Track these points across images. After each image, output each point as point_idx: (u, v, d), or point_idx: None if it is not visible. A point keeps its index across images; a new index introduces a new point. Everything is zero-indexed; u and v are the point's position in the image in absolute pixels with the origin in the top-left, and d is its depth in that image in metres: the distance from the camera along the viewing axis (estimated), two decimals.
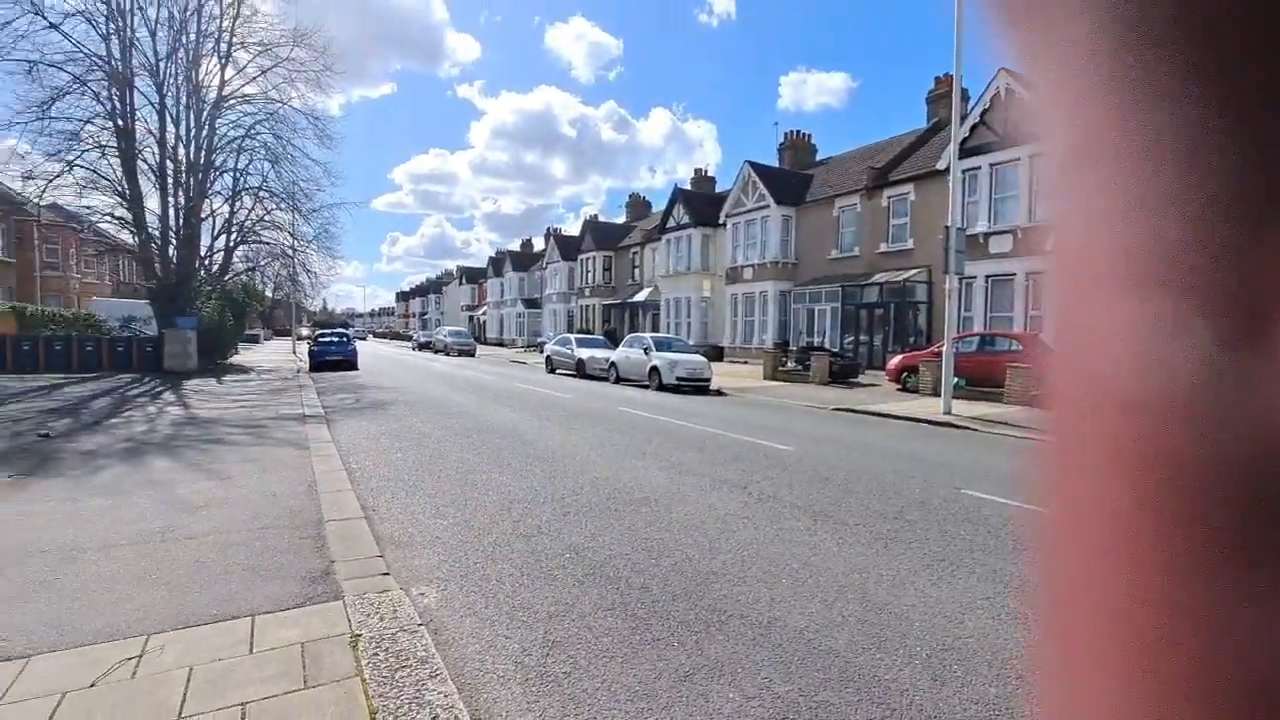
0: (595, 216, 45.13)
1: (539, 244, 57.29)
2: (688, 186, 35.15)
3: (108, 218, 21.09)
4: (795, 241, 26.52)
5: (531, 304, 50.76)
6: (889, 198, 22.74)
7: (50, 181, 18.84)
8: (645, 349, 16.90)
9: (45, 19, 18.58)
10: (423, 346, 43.61)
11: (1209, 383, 0.22)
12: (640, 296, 34.62)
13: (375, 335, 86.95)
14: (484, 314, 61.83)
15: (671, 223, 32.00)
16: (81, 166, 19.42)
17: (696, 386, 16.00)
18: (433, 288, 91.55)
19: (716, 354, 27.52)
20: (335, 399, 13.75)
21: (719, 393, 16.34)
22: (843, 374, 18.46)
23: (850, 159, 27.80)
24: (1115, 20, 0.24)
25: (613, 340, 23.97)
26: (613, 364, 18.23)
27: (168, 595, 3.49)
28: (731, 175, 44.13)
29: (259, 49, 22.32)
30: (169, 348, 19.44)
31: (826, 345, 22.39)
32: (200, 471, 6.52)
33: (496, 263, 59.16)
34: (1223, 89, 0.22)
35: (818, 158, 31.23)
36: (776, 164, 30.32)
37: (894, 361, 17.13)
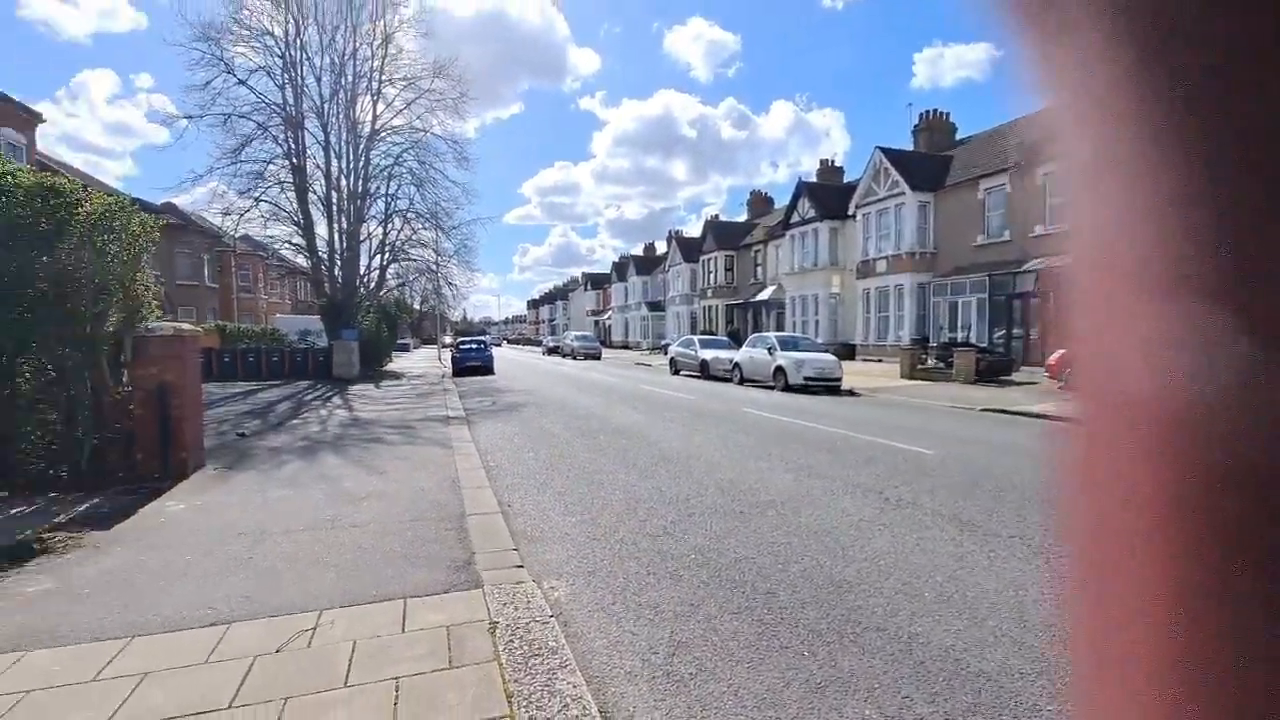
0: (716, 216, 44.98)
1: (661, 247, 58.03)
2: (813, 179, 33.93)
3: (287, 244, 24.20)
4: (934, 229, 24.72)
5: (655, 307, 51.50)
6: (1045, 175, 20.54)
7: (242, 216, 21.95)
8: (770, 349, 16.52)
9: (235, 76, 21.71)
10: (551, 351, 45.70)
11: (1244, 386, 0.22)
12: (764, 295, 33.95)
13: (509, 341, 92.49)
14: (609, 318, 63.63)
15: (796, 218, 31.07)
16: (266, 201, 22.45)
17: (826, 386, 15.38)
18: (560, 295, 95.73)
19: (848, 352, 26.31)
20: (475, 402, 14.75)
21: (850, 393, 15.61)
22: (991, 371, 16.93)
23: (996, 136, 25.44)
24: (1135, 21, 0.23)
25: (736, 341, 23.70)
26: (736, 365, 18.01)
27: (336, 577, 3.90)
28: (860, 164, 42.02)
29: (404, 83, 24.59)
30: (336, 357, 21.87)
31: (972, 340, 20.63)
32: (362, 468, 7.25)
33: (620, 267, 60.67)
34: (1247, 90, 0.21)
35: (957, 138, 28.92)
36: (911, 148, 28.46)
37: (1056, 356, 15.40)
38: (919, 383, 17.68)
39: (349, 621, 3.20)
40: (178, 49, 30.30)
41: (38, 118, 18.54)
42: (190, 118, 21.16)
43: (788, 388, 15.58)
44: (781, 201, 40.25)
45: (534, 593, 3.54)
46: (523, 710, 2.41)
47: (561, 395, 15.76)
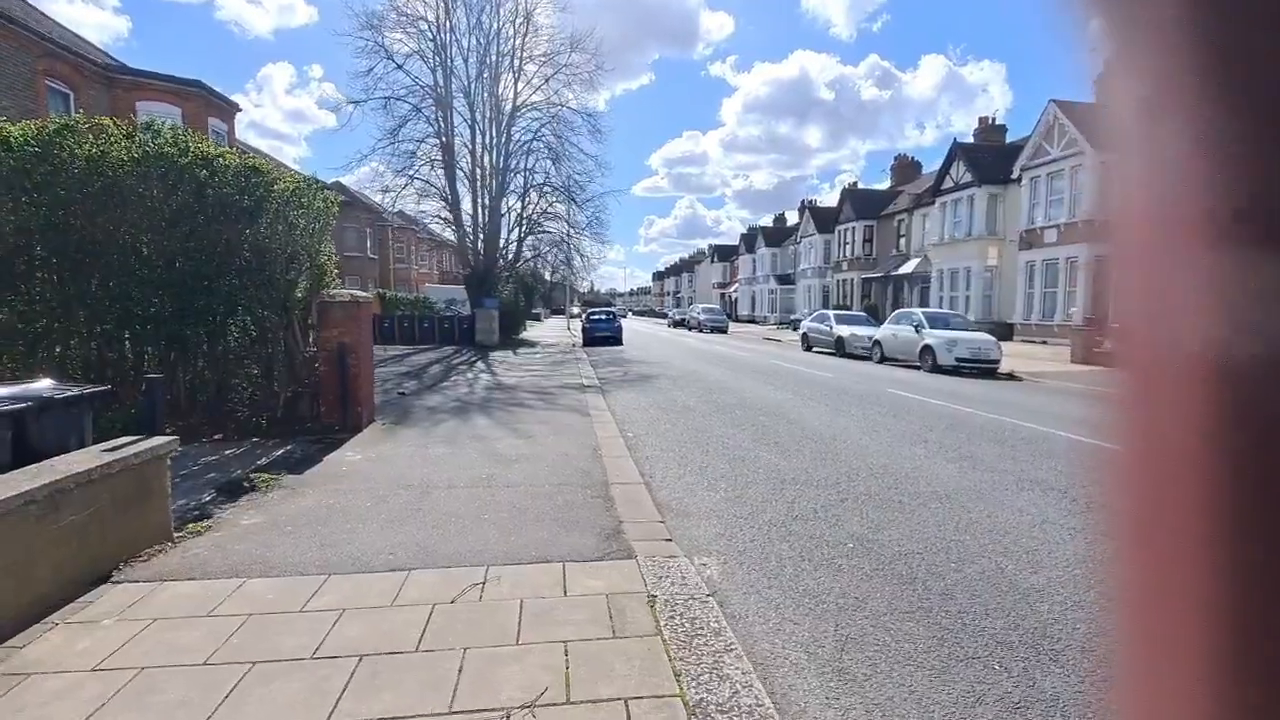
0: (854, 184, 42.33)
1: (792, 217, 55.89)
2: (969, 140, 30.82)
3: (436, 219, 25.97)
4: None
5: (784, 280, 49.88)
6: None
7: (399, 193, 23.79)
8: (916, 326, 15.32)
9: (394, 61, 23.39)
10: (677, 324, 45.82)
11: None
12: (907, 268, 31.68)
13: (634, 313, 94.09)
14: (735, 291, 62.67)
15: (948, 183, 28.50)
16: (419, 179, 24.16)
17: (981, 369, 14.05)
18: (686, 267, 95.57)
19: (1004, 332, 23.92)
20: (606, 371, 15.08)
21: (1011, 376, 14.17)
22: None
23: None
24: None
25: (874, 317, 22.33)
26: (877, 342, 16.94)
27: (497, 534, 4.08)
28: (1025, 123, 37.65)
29: (543, 59, 25.23)
30: (479, 325, 23.29)
31: None
32: (509, 430, 7.61)
33: (748, 239, 59.29)
34: None
35: None
36: (1093, 100, 24.93)
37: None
38: (1095, 367, 15.68)
39: (514, 579, 3.30)
40: (345, 38, 33.53)
41: (235, 107, 21.07)
42: (355, 103, 23.16)
43: (936, 368, 14.41)
44: (930, 167, 37.10)
45: (687, 568, 3.47)
46: (692, 690, 2.34)
47: (692, 368, 15.70)
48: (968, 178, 27.25)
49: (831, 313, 20.94)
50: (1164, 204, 0.25)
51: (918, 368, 15.09)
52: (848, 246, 38.19)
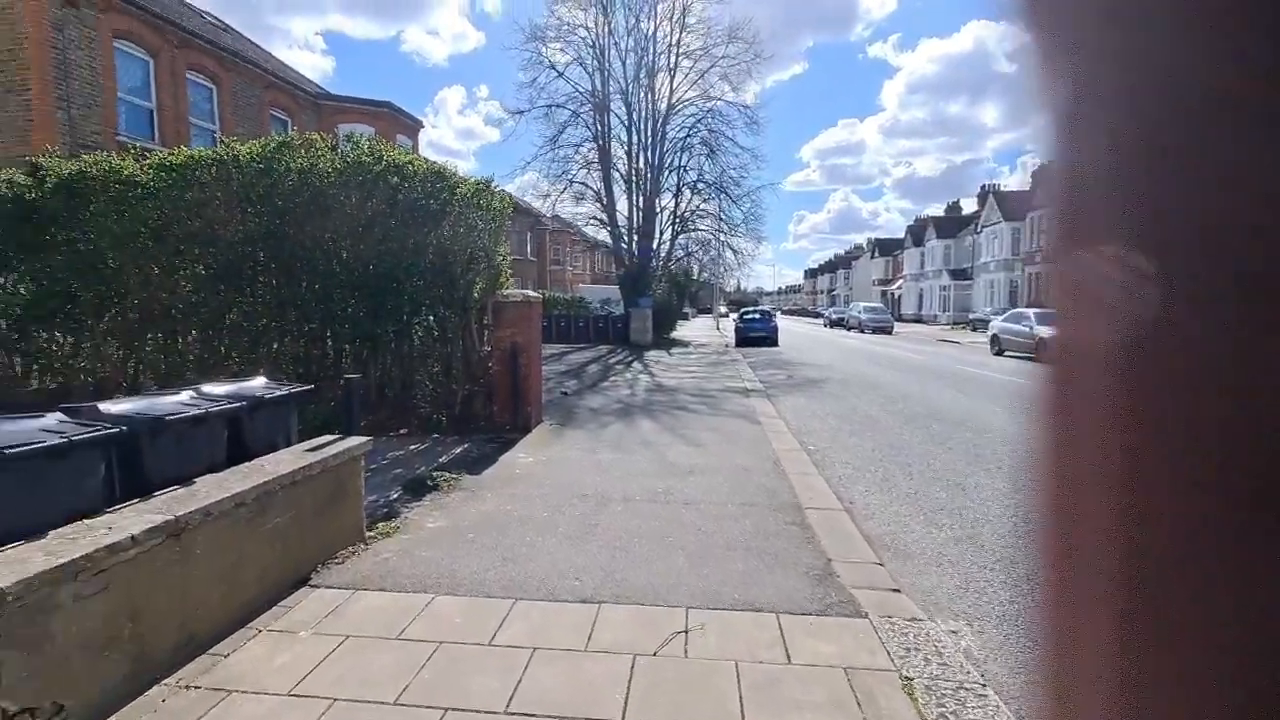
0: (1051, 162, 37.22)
1: (969, 206, 50.71)
2: None
3: (591, 221, 26.57)
4: None
5: (959, 275, 45.27)
6: None
7: (557, 198, 24.60)
8: None
9: (555, 70, 24.22)
10: (835, 324, 43.35)
11: (1158, 332, 0.24)
12: None
13: (784, 313, 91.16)
14: (899, 288, 58.24)
15: None
16: (577, 182, 24.84)
17: None
18: (841, 263, 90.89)
19: None
20: (767, 374, 14.27)
21: None
22: None
23: None
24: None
25: None
26: None
27: (687, 563, 3.59)
28: None
29: (700, 53, 24.81)
30: (633, 324, 23.42)
31: None
32: (676, 436, 7.17)
33: (915, 231, 54.73)
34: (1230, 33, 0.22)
35: None
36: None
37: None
38: None
39: (720, 630, 2.77)
40: (511, 51, 35.57)
41: (419, 124, 22.99)
42: (520, 112, 24.26)
43: None
44: None
45: (941, 640, 2.72)
46: None
47: (863, 371, 14.40)
48: None
49: (1031, 312, 18.22)
50: (1077, 205, 0.27)
51: None
52: (1044, 235, 33.56)
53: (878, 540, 4.12)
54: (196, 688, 2.37)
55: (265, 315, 7.29)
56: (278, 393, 3.53)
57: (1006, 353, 18.06)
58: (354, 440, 3.66)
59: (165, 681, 2.40)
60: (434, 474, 5.45)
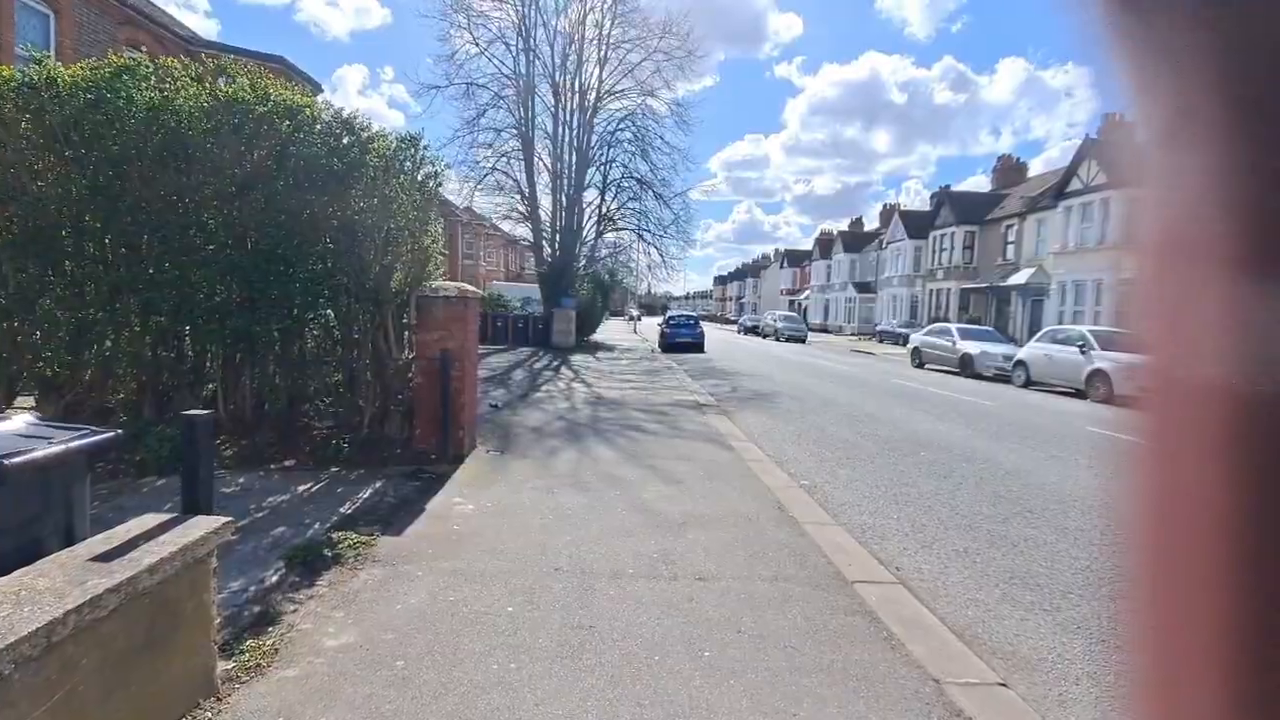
0: (947, 187, 39.09)
1: (871, 222, 52.79)
2: (1093, 136, 27.55)
3: (511, 213, 24.71)
4: None
5: (863, 288, 46.82)
6: None
7: (476, 186, 22.62)
8: (1082, 347, 12.84)
9: (478, 46, 22.26)
10: (749, 330, 43.60)
11: None
12: (1018, 279, 28.60)
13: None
14: (806, 298, 59.77)
15: (1075, 185, 25.44)
16: (498, 170, 22.96)
17: None
18: (750, 271, 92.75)
19: None
20: (709, 384, 13.27)
21: None
22: None
23: None
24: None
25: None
26: (1020, 363, 14.48)
27: (751, 707, 2.33)
28: None
29: (633, 43, 23.63)
30: (556, 326, 21.86)
31: None
32: (644, 468, 5.89)
33: (824, 244, 56.32)
34: None
35: None
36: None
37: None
38: None
39: None
40: (428, 21, 32.69)
41: (318, 87, 20.25)
42: (436, 88, 22.03)
43: (1115, 398, 11.98)
44: (1038, 171, 33.79)
45: None
46: None
47: (805, 384, 13.70)
48: (1101, 180, 24.18)
49: (954, 326, 18.41)
50: (1181, 233, 0.25)
51: (1083, 396, 12.63)
52: (945, 253, 35.05)
53: (970, 637, 3.04)
54: None
55: (94, 303, 5.30)
56: (50, 448, 1.92)
57: (927, 365, 18.12)
58: (199, 529, 2.11)
59: None
60: (333, 535, 3.87)
